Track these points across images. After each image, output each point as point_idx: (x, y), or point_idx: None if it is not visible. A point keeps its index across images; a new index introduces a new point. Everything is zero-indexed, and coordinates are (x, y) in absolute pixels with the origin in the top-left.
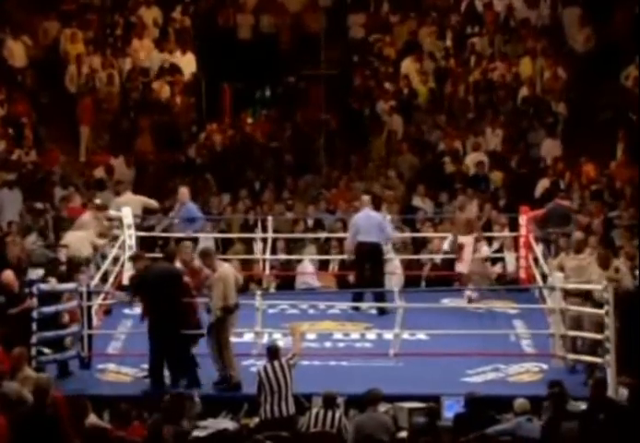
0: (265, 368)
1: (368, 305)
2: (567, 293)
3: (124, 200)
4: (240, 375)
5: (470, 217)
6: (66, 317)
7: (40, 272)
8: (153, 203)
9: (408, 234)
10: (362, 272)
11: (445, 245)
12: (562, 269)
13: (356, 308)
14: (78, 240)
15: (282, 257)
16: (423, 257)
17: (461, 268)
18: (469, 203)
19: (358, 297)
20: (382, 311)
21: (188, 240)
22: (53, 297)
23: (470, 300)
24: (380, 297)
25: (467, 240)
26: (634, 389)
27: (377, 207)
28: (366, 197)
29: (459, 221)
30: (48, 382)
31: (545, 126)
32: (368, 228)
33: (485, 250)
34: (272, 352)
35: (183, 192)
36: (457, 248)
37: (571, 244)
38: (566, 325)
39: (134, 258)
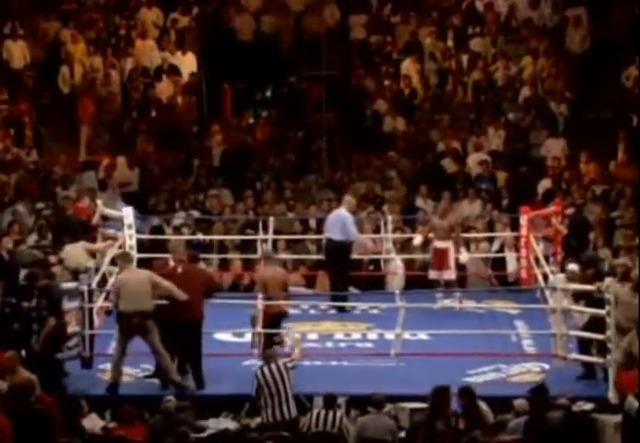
0: (262, 372)
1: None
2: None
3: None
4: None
5: (452, 222)
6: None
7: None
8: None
9: (409, 235)
10: (331, 268)
11: (416, 241)
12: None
13: (342, 309)
14: (75, 250)
15: (283, 256)
16: (424, 256)
17: (447, 275)
18: (456, 208)
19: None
20: (341, 309)
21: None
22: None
23: (461, 302)
24: (341, 297)
25: (448, 245)
26: None
27: (378, 207)
28: (348, 197)
29: (441, 227)
30: (31, 382)
31: (547, 127)
32: (330, 226)
33: (464, 256)
34: (268, 355)
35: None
36: (439, 254)
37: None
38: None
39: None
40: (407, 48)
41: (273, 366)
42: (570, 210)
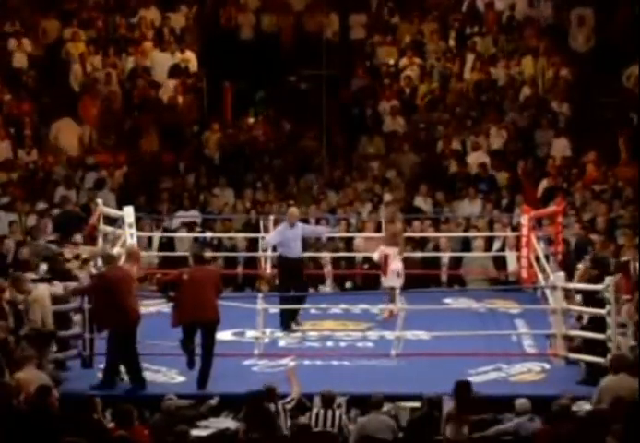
0: None
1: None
2: None
3: None
4: None
5: (397, 230)
6: (77, 316)
7: (45, 267)
8: None
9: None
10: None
11: (375, 256)
12: None
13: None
14: None
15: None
16: (423, 255)
17: (387, 282)
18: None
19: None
20: (286, 327)
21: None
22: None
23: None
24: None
25: (392, 252)
26: None
27: (376, 206)
28: (291, 210)
29: (388, 233)
30: (49, 380)
31: (551, 126)
32: (285, 242)
33: (398, 265)
34: (268, 394)
35: None
36: (384, 260)
37: None
38: None
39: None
40: (407, 47)
41: (272, 408)
42: (576, 231)
